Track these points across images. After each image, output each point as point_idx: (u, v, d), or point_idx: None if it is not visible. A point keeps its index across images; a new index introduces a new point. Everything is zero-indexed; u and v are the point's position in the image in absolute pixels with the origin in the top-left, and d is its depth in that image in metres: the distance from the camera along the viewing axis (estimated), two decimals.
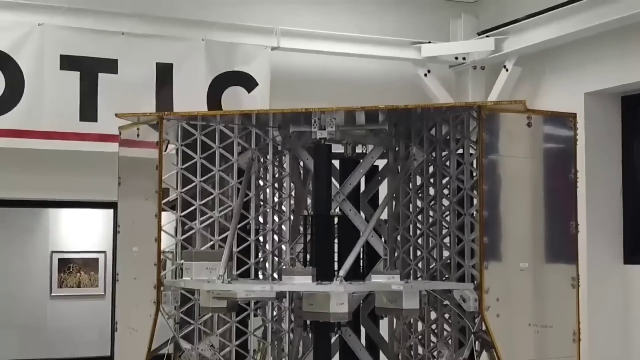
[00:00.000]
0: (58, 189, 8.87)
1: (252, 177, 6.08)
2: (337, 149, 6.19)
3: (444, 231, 5.83)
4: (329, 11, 9.79)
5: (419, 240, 6.03)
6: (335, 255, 5.89)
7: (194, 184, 5.93)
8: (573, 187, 5.66)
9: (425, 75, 9.85)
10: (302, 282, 5.12)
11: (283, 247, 6.30)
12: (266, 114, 6.20)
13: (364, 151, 6.34)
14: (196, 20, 8.98)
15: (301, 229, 6.11)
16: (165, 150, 5.82)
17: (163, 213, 5.71)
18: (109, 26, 8.62)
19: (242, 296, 5.23)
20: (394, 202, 6.25)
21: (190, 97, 8.83)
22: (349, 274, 5.30)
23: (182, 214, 5.92)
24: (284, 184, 6.39)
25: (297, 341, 6.23)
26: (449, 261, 5.75)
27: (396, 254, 6.17)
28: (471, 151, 5.65)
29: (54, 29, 8.40)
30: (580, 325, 5.64)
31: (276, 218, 6.31)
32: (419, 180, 6.07)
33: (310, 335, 5.80)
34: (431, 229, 5.94)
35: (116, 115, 5.95)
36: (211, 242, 5.95)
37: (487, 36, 9.64)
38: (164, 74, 8.79)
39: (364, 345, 6.32)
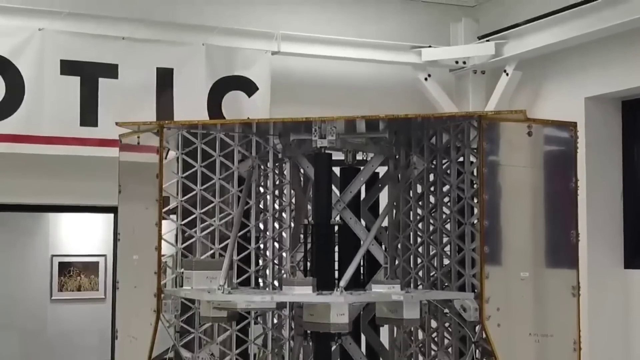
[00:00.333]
0: (58, 193, 8.89)
1: (252, 185, 6.07)
2: (338, 155, 6.19)
3: (445, 240, 5.83)
4: (329, 16, 9.80)
5: (420, 249, 6.02)
6: (336, 264, 5.88)
7: (194, 192, 5.93)
8: (574, 196, 5.65)
9: (426, 79, 9.85)
10: (303, 293, 5.11)
11: (283, 254, 6.29)
12: (266, 123, 6.19)
13: (364, 158, 6.34)
14: (196, 25, 8.99)
15: (301, 237, 6.11)
16: (166, 157, 5.82)
17: (163, 221, 5.71)
18: (110, 31, 8.64)
19: (243, 307, 5.22)
20: (394, 211, 6.24)
21: (190, 102, 8.85)
22: (349, 282, 5.29)
23: (183, 222, 5.91)
24: (285, 192, 6.38)
25: (297, 349, 6.23)
26: (449, 270, 5.75)
27: (396, 262, 6.16)
28: (472, 159, 5.64)
29: (55, 33, 8.41)
30: (581, 332, 5.63)
31: (276, 225, 6.31)
32: (419, 189, 6.06)
33: (310, 344, 5.79)
34: (432, 237, 5.93)
35: (116, 123, 5.95)
36: (211, 251, 5.95)
37: (487, 40, 9.64)
38: (165, 78, 8.80)
39: (365, 353, 6.31)
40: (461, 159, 5.72)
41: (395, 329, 6.29)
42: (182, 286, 5.76)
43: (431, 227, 5.95)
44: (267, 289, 6.14)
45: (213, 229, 5.97)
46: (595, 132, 8.84)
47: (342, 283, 5.13)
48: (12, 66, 8.28)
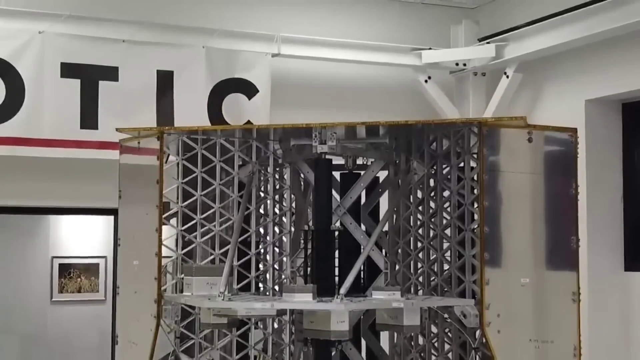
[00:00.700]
0: (59, 196, 8.90)
1: (252, 190, 6.07)
2: (338, 160, 6.19)
3: (445, 245, 5.83)
4: (329, 18, 9.80)
5: (420, 254, 6.02)
6: (336, 269, 5.88)
7: (194, 197, 5.93)
8: (574, 202, 5.65)
9: (426, 81, 9.85)
10: (303, 300, 5.11)
11: (284, 259, 6.30)
12: (267, 128, 6.19)
13: (365, 162, 6.34)
14: (197, 27, 8.98)
15: (302, 242, 6.10)
16: (166, 162, 5.82)
17: (163, 227, 5.71)
18: (110, 34, 8.63)
19: (243, 314, 5.23)
20: (394, 216, 6.24)
21: (190, 105, 8.85)
22: (349, 287, 5.29)
23: (183, 228, 5.92)
24: (285, 196, 6.38)
25: (297, 354, 6.23)
26: (449, 276, 5.75)
27: (397, 268, 6.16)
28: (472, 164, 5.64)
29: (55, 36, 8.41)
30: (581, 335, 5.63)
31: (277, 230, 6.31)
32: (419, 194, 6.06)
33: (310, 349, 5.79)
34: (432, 243, 5.93)
35: (117, 129, 5.95)
36: (212, 257, 5.95)
37: (487, 42, 9.64)
38: (165, 81, 8.80)
39: (365, 358, 6.31)
40: (461, 164, 5.71)
41: (395, 334, 6.28)
42: (182, 292, 5.75)
43: (431, 233, 5.95)
44: (268, 293, 6.13)
45: (213, 234, 5.97)
46: (596, 134, 8.85)
47: (343, 290, 5.13)
48: (13, 69, 8.29)
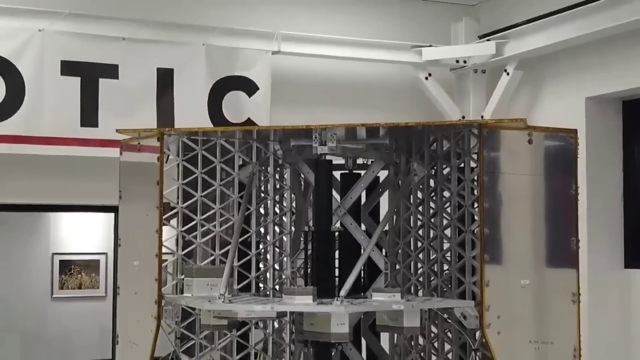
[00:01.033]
0: (59, 193, 8.89)
1: (253, 191, 6.08)
2: (338, 160, 6.19)
3: (445, 246, 5.83)
4: (329, 15, 9.78)
5: (420, 255, 6.03)
6: (336, 270, 5.89)
7: (194, 198, 5.93)
8: (574, 203, 5.66)
9: (426, 78, 9.83)
10: (303, 303, 5.11)
11: (284, 259, 6.30)
12: (267, 129, 6.20)
13: (365, 162, 6.34)
14: (197, 25, 8.96)
15: (302, 242, 6.11)
16: (166, 162, 5.82)
17: (164, 227, 5.72)
18: (110, 31, 8.61)
19: (243, 316, 5.24)
20: (394, 217, 6.24)
21: (191, 102, 8.84)
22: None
23: (183, 228, 5.92)
24: (285, 196, 6.39)
25: (297, 354, 6.24)
26: (449, 277, 5.76)
27: (397, 268, 6.17)
28: (472, 164, 5.65)
29: (55, 34, 8.39)
30: (582, 333, 5.65)
31: (277, 229, 6.31)
32: (420, 195, 6.07)
33: (310, 350, 5.80)
34: (432, 243, 5.94)
35: (117, 130, 5.96)
36: (212, 257, 5.95)
37: (488, 40, 9.62)
38: (165, 79, 8.78)
39: (365, 358, 6.32)
40: (462, 165, 5.72)
41: (395, 335, 6.29)
42: (182, 293, 5.76)
43: (432, 234, 5.96)
44: (268, 293, 6.14)
45: (213, 235, 5.98)
46: (596, 131, 8.85)
47: (343, 292, 5.13)
48: (13, 67, 8.26)
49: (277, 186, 6.33)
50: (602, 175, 8.90)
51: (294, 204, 6.36)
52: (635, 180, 8.96)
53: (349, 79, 9.83)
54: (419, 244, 6.03)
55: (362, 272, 6.08)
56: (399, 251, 6.15)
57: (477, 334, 5.48)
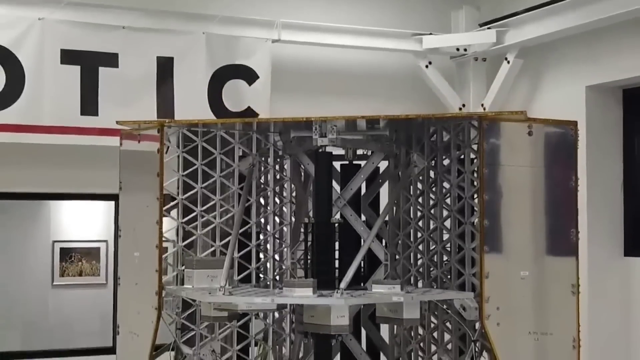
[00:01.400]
0: (59, 182, 8.91)
1: (253, 182, 6.09)
2: (338, 150, 6.19)
3: (445, 237, 5.84)
4: (329, 3, 9.78)
5: (420, 246, 6.04)
6: (336, 261, 5.90)
7: (195, 190, 5.94)
8: (573, 194, 5.66)
9: (427, 66, 9.83)
10: (303, 295, 5.13)
11: (284, 250, 6.31)
12: (267, 121, 6.20)
13: (365, 152, 6.34)
14: (197, 13, 8.96)
15: (302, 234, 6.12)
16: (166, 152, 5.83)
17: (164, 219, 5.73)
18: (110, 20, 8.61)
19: (244, 308, 5.26)
20: (394, 208, 6.25)
21: (191, 91, 8.85)
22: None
23: (184, 220, 5.93)
24: (285, 186, 6.40)
25: (298, 344, 6.26)
26: (449, 268, 5.77)
27: (397, 259, 6.18)
28: (472, 155, 5.65)
29: (55, 23, 8.39)
30: (581, 323, 5.66)
31: (277, 220, 6.32)
32: (419, 187, 6.07)
33: (310, 342, 5.82)
34: (432, 235, 5.95)
35: (117, 122, 5.98)
36: (212, 248, 5.97)
37: (488, 28, 9.61)
38: (165, 67, 8.79)
39: (365, 348, 6.34)
40: (462, 157, 5.72)
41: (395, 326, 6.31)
42: (183, 283, 5.78)
43: (432, 225, 5.97)
44: (268, 283, 6.15)
45: (214, 226, 5.99)
46: (596, 120, 8.86)
47: (343, 285, 5.14)
48: (13, 56, 8.26)
49: (277, 177, 6.34)
50: (602, 165, 8.91)
51: (294, 195, 6.37)
52: (635, 169, 8.97)
53: (349, 67, 9.82)
54: (419, 235, 6.04)
55: (362, 262, 6.10)
56: (399, 242, 6.15)
57: (477, 325, 5.49)
